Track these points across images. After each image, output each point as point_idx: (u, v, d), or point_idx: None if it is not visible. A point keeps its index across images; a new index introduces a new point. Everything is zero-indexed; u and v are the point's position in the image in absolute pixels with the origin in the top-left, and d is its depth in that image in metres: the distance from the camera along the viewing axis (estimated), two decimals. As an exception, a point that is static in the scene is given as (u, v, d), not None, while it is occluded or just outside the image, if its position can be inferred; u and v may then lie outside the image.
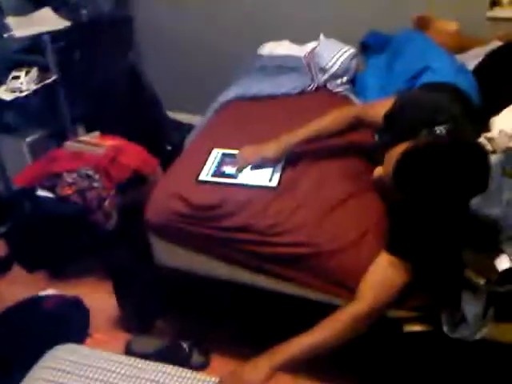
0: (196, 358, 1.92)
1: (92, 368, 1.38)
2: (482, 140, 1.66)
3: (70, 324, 2.02)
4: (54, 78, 2.59)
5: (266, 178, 1.76)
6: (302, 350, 1.40)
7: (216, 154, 1.89)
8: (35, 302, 2.10)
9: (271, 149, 1.80)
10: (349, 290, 1.55)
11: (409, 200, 1.39)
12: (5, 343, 1.96)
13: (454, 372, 1.66)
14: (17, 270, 2.41)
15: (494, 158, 1.60)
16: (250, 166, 1.80)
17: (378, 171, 1.48)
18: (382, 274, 1.49)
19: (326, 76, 2.26)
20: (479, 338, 1.44)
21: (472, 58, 2.12)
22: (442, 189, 1.31)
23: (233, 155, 1.86)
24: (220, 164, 1.84)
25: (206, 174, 1.80)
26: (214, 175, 1.80)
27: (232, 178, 1.79)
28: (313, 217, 1.65)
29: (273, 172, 1.78)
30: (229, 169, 1.82)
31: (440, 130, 1.41)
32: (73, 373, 1.37)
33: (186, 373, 1.39)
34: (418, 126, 1.45)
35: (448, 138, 1.40)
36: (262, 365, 1.38)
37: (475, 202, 1.44)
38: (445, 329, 1.48)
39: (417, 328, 1.55)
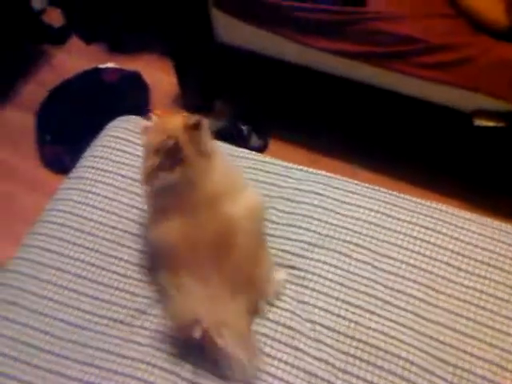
0: (255, 141, 1.91)
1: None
2: None
3: (130, 98, 2.01)
4: None
5: None
6: None
7: None
8: (95, 74, 2.06)
9: None
10: None
11: None
12: (66, 113, 1.99)
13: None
14: (75, 42, 2.35)
15: None
16: None
17: None
18: None
19: None
20: None
21: None
22: None
23: None
24: None
25: None
26: None
27: None
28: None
29: None
30: None
31: None
32: (135, 142, 1.37)
33: (246, 153, 1.37)
34: None
35: None
36: None
37: None
38: None
39: (488, 123, 1.45)
